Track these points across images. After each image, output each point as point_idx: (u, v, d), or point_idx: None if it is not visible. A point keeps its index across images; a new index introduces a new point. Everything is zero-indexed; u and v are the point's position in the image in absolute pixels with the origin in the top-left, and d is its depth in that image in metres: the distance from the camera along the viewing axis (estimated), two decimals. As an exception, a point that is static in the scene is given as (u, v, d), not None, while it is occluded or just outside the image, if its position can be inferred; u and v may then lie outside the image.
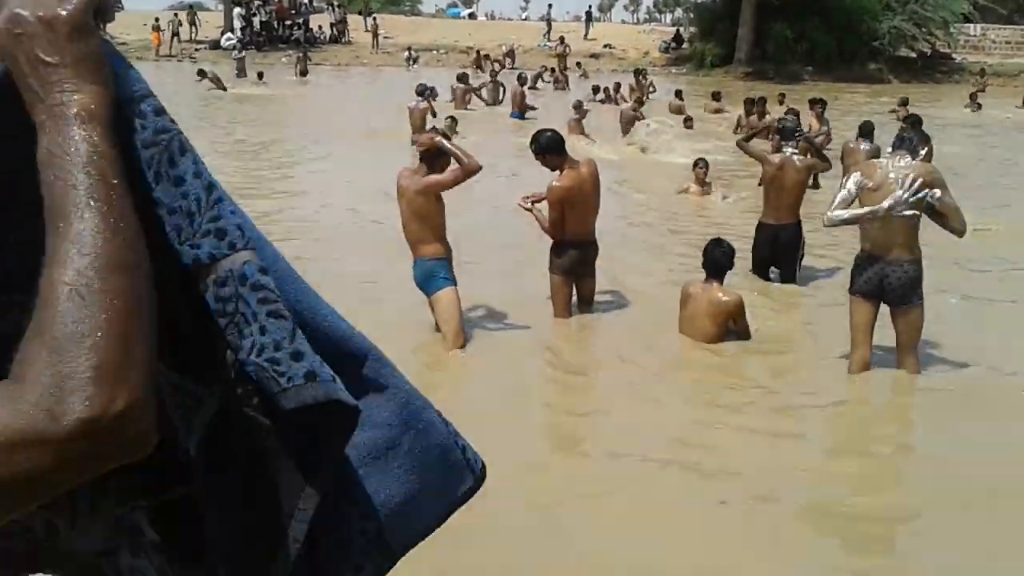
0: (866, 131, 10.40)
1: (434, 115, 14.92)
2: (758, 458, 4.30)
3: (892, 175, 4.85)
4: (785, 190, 6.90)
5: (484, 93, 21.35)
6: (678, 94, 21.14)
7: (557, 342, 5.96)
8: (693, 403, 5.07)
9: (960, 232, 4.94)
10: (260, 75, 26.40)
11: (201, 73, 24.22)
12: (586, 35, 43.35)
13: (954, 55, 38.52)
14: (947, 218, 4.87)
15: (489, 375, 5.32)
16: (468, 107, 20.13)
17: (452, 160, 5.33)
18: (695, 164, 10.86)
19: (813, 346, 5.86)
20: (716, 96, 21.50)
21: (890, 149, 5.19)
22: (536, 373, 5.47)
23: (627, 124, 15.79)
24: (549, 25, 44.95)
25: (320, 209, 9.78)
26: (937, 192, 4.78)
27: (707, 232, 7.49)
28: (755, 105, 15.75)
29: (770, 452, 4.43)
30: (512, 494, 3.46)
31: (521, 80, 19.85)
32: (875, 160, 5.13)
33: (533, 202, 5.95)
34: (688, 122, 17.03)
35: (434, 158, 5.33)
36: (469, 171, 5.28)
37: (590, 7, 47.66)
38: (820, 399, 5.04)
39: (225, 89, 23.92)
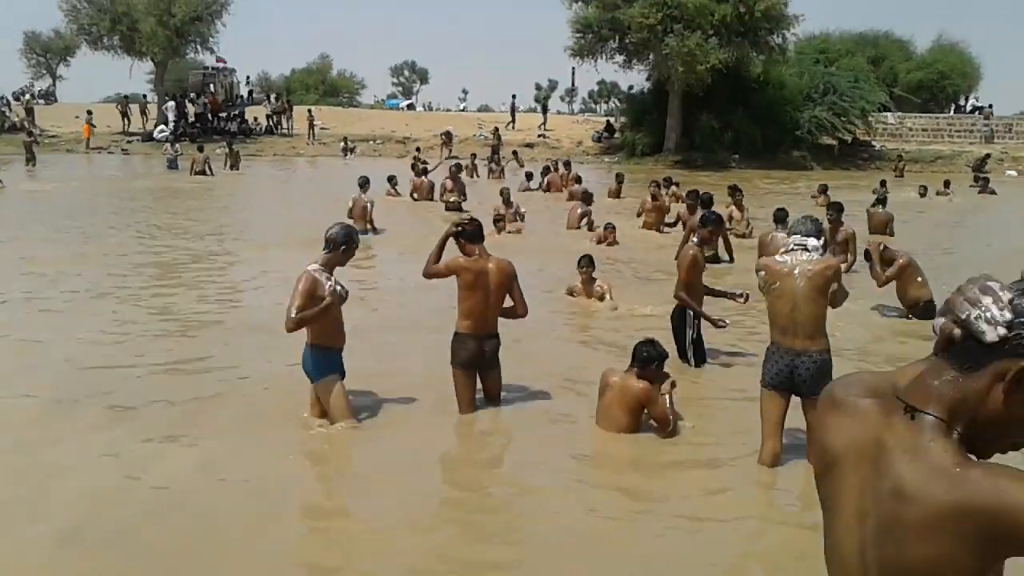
0: (780, 218, 10.64)
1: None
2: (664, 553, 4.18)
3: (796, 271, 5.00)
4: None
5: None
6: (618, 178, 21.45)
7: (459, 443, 5.84)
8: (597, 502, 4.91)
9: (836, 307, 5.18)
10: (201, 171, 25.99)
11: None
12: (512, 125, 44.10)
13: (873, 142, 40.19)
14: (835, 303, 5.14)
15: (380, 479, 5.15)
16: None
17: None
18: (578, 263, 9.69)
19: (726, 436, 5.79)
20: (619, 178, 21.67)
21: (785, 236, 5.32)
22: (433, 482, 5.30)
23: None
24: (513, 114, 45.86)
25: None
26: (835, 286, 5.02)
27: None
28: (659, 188, 16.03)
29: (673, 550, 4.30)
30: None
31: (454, 169, 19.82)
32: (778, 259, 5.16)
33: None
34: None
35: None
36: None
37: (514, 97, 48.76)
38: (729, 498, 4.92)
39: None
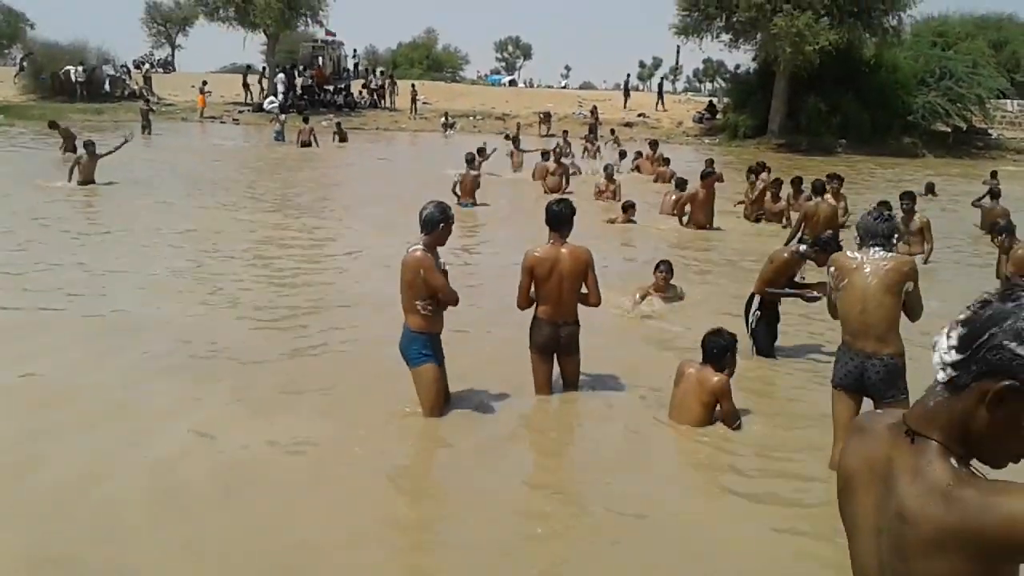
0: (818, 188, 10.55)
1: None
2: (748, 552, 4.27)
3: (868, 268, 4.79)
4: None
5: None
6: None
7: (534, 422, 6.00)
8: (675, 494, 5.01)
9: (913, 320, 4.87)
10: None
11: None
12: (625, 104, 43.94)
13: (991, 131, 38.40)
14: (909, 311, 4.83)
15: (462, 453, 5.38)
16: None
17: None
18: (656, 267, 9.11)
19: (800, 433, 5.79)
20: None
21: (857, 240, 5.02)
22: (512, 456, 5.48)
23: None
24: (627, 94, 45.74)
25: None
26: (910, 285, 4.75)
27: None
28: (757, 176, 15.53)
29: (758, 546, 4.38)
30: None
31: (544, 155, 19.73)
32: (850, 253, 4.97)
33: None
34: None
35: None
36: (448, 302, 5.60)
37: (628, 76, 48.76)
38: (809, 495, 4.93)
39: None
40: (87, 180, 16.40)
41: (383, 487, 4.83)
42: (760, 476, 5.14)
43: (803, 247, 7.21)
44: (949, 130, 36.66)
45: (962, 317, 1.60)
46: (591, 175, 19.54)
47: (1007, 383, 1.52)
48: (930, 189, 19.96)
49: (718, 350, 5.69)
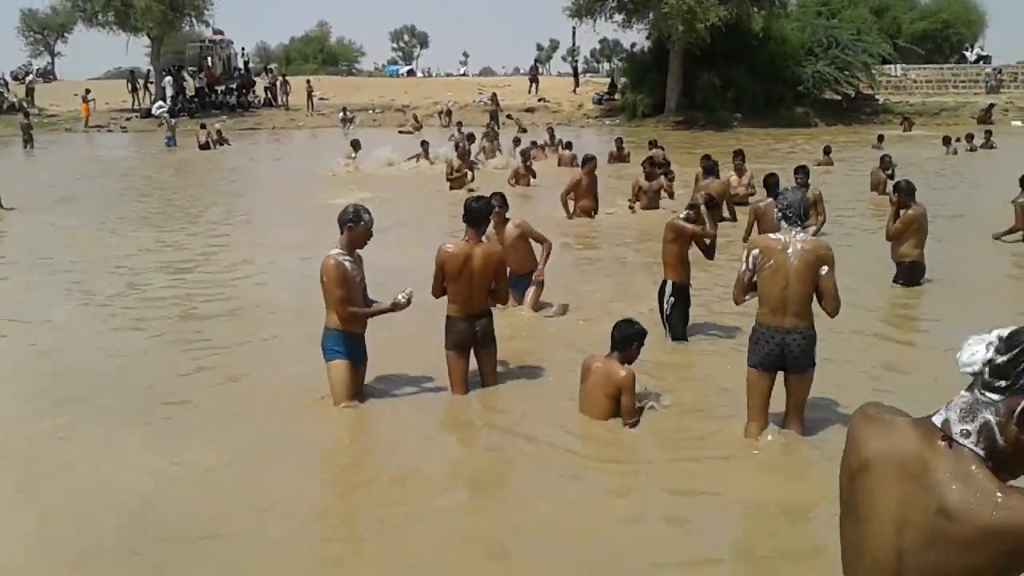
0: (771, 184, 10.53)
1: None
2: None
3: (790, 251, 5.01)
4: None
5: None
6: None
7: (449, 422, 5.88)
8: (584, 488, 4.92)
9: (831, 314, 5.11)
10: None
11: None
12: (533, 90, 43.92)
13: (877, 96, 39.74)
14: (825, 297, 5.04)
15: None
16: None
17: None
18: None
19: (712, 412, 5.78)
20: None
21: (778, 213, 5.26)
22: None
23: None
24: (534, 80, 45.57)
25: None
26: (825, 269, 4.99)
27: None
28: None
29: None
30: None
31: (458, 143, 19.30)
32: (773, 236, 5.21)
33: None
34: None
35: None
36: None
37: (536, 62, 48.87)
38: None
39: None
40: None
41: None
42: (672, 465, 5.11)
43: (685, 212, 7.32)
44: (839, 98, 37.79)
45: (1011, 329, 1.77)
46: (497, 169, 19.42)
47: None
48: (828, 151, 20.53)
49: (625, 337, 5.63)
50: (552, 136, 23.69)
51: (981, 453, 1.74)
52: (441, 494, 4.82)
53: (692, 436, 5.46)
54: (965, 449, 1.75)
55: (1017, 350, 1.71)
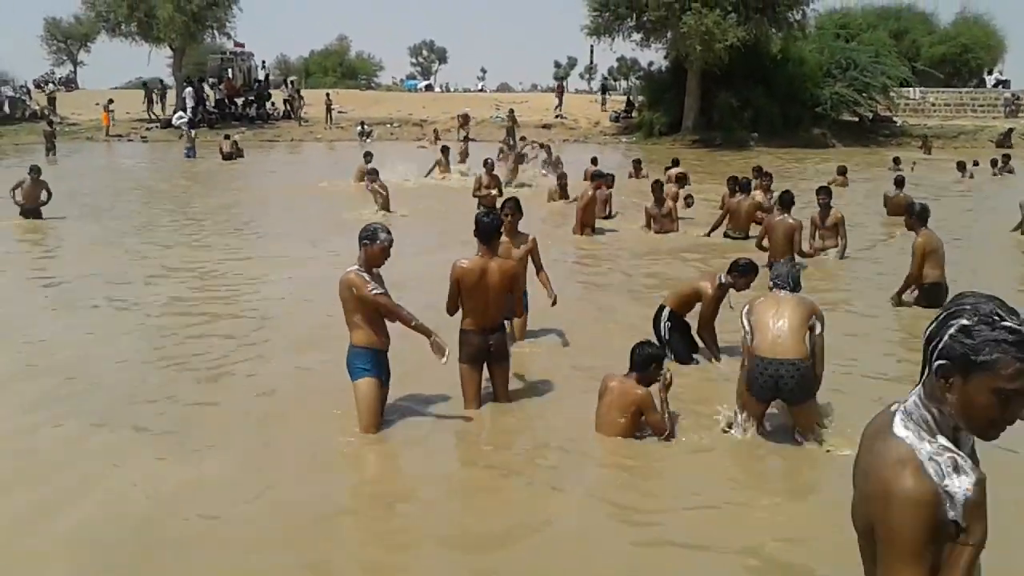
0: (786, 202, 10.56)
1: None
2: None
3: (776, 311, 5.46)
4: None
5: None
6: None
7: (461, 437, 5.89)
8: (599, 511, 4.89)
9: (818, 378, 5.45)
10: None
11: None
12: (560, 106, 43.79)
13: (895, 118, 39.64)
14: (815, 357, 5.39)
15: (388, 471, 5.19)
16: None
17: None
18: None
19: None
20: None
21: (771, 283, 5.75)
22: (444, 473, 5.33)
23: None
24: (561, 98, 45.38)
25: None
26: (818, 328, 5.41)
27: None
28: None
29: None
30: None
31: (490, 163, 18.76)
32: (769, 296, 5.65)
33: None
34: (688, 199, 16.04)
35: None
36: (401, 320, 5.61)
37: (561, 79, 48.73)
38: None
39: None
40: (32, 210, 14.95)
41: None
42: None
43: (723, 276, 7.00)
44: (857, 120, 37.72)
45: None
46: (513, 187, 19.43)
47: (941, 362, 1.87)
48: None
49: (644, 358, 5.63)
50: (550, 154, 23.53)
51: (928, 415, 1.90)
52: (447, 515, 4.83)
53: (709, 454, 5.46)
54: (900, 414, 1.94)
55: (927, 331, 1.92)
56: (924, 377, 1.93)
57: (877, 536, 1.86)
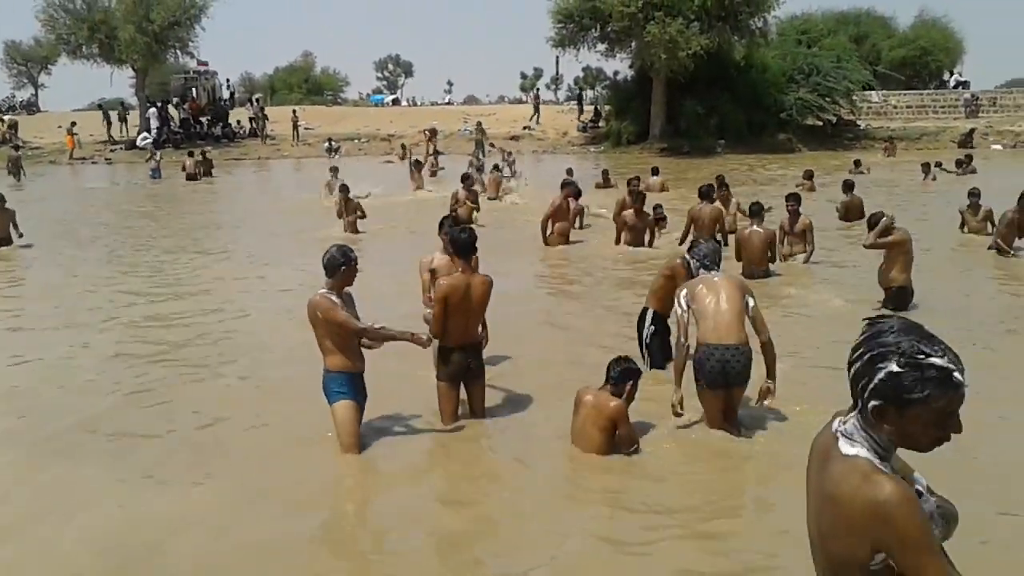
0: (755, 212, 10.61)
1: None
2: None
3: (716, 297, 5.65)
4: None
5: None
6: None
7: (440, 454, 5.83)
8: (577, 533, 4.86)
9: (768, 341, 5.59)
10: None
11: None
12: (536, 119, 44.02)
13: (859, 122, 40.11)
14: (757, 321, 5.61)
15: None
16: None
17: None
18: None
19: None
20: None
21: (695, 262, 6.14)
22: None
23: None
24: (536, 108, 45.55)
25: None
26: (751, 303, 5.64)
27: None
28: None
29: None
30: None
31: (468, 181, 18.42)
32: (700, 279, 5.88)
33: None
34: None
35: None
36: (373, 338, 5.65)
37: (537, 90, 48.80)
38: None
39: None
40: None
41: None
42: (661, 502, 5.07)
43: (687, 257, 7.09)
44: (821, 124, 38.13)
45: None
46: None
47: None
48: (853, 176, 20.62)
49: (620, 373, 5.61)
50: (511, 165, 23.75)
51: (865, 437, 1.99)
52: (434, 534, 4.77)
53: (682, 465, 5.44)
54: (842, 436, 2.02)
55: (854, 368, 2.00)
56: (858, 411, 2.01)
57: (890, 553, 1.91)
